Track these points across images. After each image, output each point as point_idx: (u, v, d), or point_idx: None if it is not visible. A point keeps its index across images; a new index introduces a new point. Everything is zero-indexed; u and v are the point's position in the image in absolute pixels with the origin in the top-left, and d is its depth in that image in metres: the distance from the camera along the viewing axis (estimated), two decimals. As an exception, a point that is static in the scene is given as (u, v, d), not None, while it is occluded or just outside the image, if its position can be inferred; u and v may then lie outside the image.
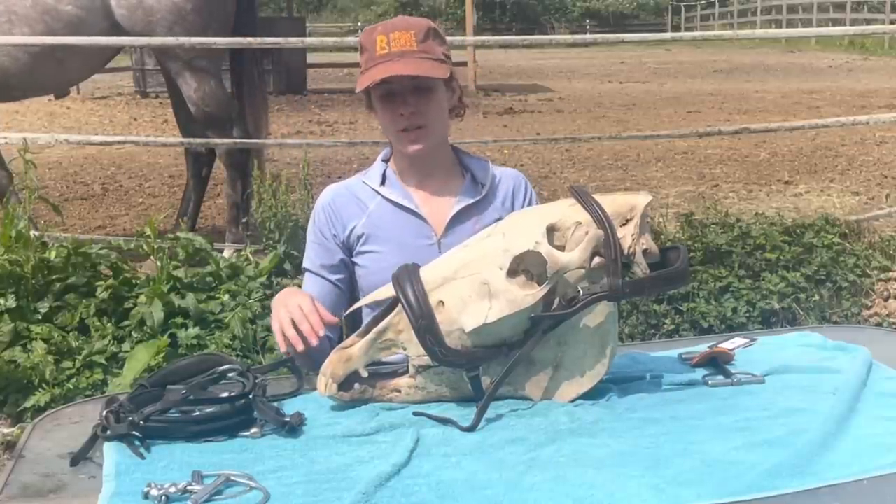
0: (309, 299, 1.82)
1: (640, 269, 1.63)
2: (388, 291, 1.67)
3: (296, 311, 1.77)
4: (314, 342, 1.76)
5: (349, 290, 2.12)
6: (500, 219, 2.01)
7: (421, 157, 2.04)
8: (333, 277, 2.08)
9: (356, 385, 1.66)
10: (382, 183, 2.07)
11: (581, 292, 1.60)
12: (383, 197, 2.06)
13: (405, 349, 1.64)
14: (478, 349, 1.61)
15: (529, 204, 2.14)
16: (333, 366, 1.64)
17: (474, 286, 1.60)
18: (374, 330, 1.64)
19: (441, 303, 1.60)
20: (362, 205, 2.07)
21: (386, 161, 2.11)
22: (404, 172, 2.08)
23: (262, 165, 5.44)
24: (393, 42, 1.93)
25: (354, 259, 2.08)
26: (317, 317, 1.77)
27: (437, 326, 1.59)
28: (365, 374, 1.65)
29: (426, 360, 1.62)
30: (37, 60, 5.04)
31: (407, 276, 1.62)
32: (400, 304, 1.61)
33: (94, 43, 5.04)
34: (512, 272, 1.59)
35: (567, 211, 1.64)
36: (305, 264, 2.13)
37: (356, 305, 1.84)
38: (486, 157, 2.25)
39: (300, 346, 1.76)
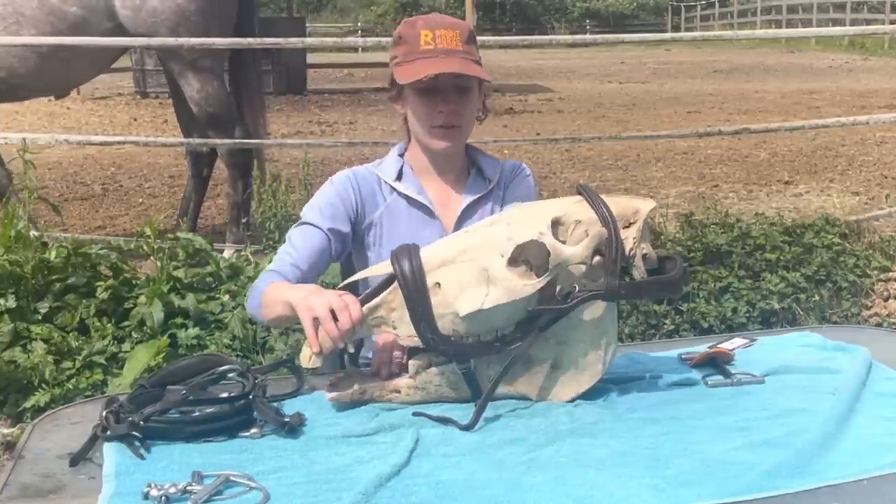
0: (344, 294, 1.65)
1: (639, 272, 1.64)
2: (385, 267, 1.66)
3: (335, 299, 1.60)
4: (348, 328, 1.59)
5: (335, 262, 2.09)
6: (501, 207, 2.03)
7: (444, 156, 2.04)
8: (335, 244, 1.99)
9: (356, 385, 1.66)
10: (398, 178, 2.06)
11: (577, 288, 1.60)
12: (398, 193, 2.05)
13: (395, 328, 1.62)
14: (468, 339, 1.60)
15: (526, 190, 2.13)
16: (320, 339, 1.62)
17: (474, 271, 1.59)
18: (367, 306, 1.62)
19: (438, 284, 1.58)
20: (381, 196, 2.06)
21: (401, 156, 2.10)
22: (422, 169, 2.07)
23: (262, 166, 5.45)
24: (439, 39, 1.92)
25: (366, 251, 2.06)
26: (357, 307, 1.60)
27: (430, 307, 1.58)
28: (352, 349, 1.64)
29: (416, 340, 1.61)
30: (44, 61, 5.07)
31: (406, 253, 1.61)
32: (396, 282, 1.60)
33: (98, 43, 5.05)
34: (513, 261, 1.59)
35: (572, 207, 1.64)
36: (310, 218, 2.00)
37: (352, 279, 1.80)
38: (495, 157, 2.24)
39: (340, 342, 1.59)
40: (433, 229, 2.03)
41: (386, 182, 2.06)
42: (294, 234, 1.99)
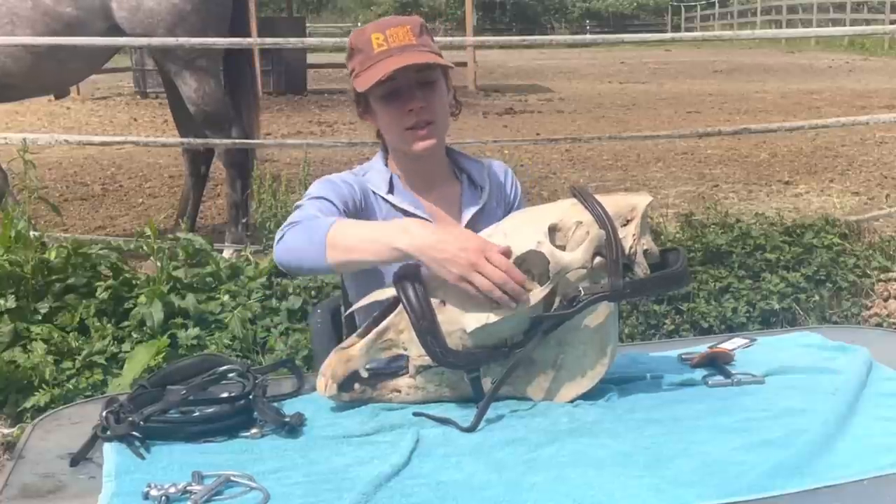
0: (494, 247, 1.54)
1: (641, 269, 1.63)
2: (388, 291, 1.67)
3: (494, 272, 1.52)
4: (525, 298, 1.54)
5: None
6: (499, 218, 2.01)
7: (426, 158, 1.95)
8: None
9: (356, 385, 1.66)
10: (390, 191, 1.95)
11: (582, 292, 1.60)
12: (392, 205, 1.95)
13: (406, 349, 1.63)
14: (478, 349, 1.61)
15: (516, 195, 2.09)
16: (333, 366, 1.64)
17: None
18: (375, 330, 1.63)
19: (443, 303, 1.60)
20: (376, 205, 1.95)
21: (386, 166, 2.00)
22: (409, 178, 1.98)
23: (256, 165, 5.47)
24: (391, 38, 1.84)
25: None
26: (517, 271, 1.54)
27: (438, 327, 1.59)
28: (365, 374, 1.65)
29: (427, 360, 1.62)
30: (38, 61, 5.09)
31: (409, 275, 1.62)
32: (401, 304, 1.61)
33: (94, 44, 5.07)
34: (514, 271, 1.59)
35: (568, 211, 1.64)
36: (322, 193, 1.84)
37: (357, 305, 1.81)
38: (475, 155, 2.18)
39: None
40: None
41: (377, 194, 1.96)
42: (309, 205, 1.82)
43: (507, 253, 1.55)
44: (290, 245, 1.71)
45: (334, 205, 1.82)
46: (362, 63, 1.86)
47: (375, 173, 1.99)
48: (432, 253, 1.55)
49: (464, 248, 1.53)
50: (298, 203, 1.85)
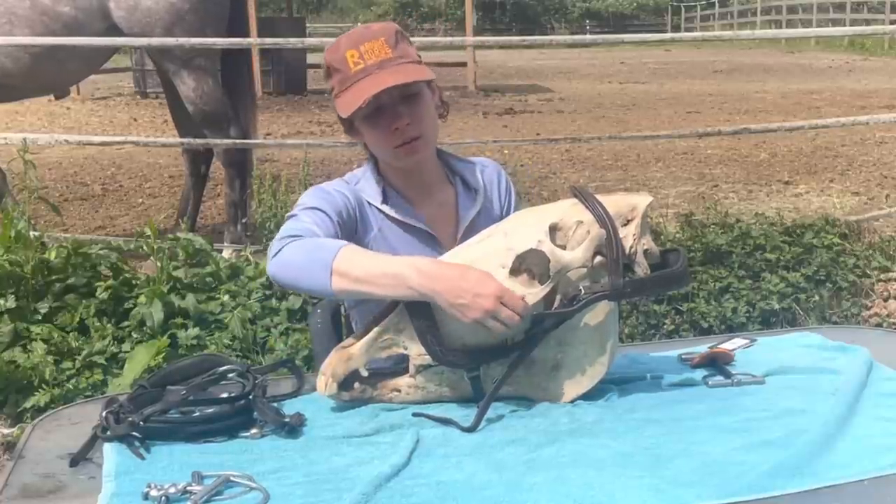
0: (510, 292, 1.56)
1: (641, 269, 1.64)
2: None
3: (510, 318, 1.55)
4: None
5: None
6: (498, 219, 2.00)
7: (419, 169, 1.91)
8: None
9: (356, 384, 1.66)
10: (385, 201, 1.90)
11: (582, 291, 1.60)
12: (387, 216, 1.89)
13: (406, 348, 1.64)
14: (478, 349, 1.61)
15: (508, 196, 2.05)
16: (333, 365, 1.64)
17: None
18: (375, 329, 1.64)
19: None
20: (371, 216, 1.90)
21: (379, 175, 1.93)
22: (402, 187, 1.92)
23: (256, 165, 5.47)
24: (366, 54, 1.76)
25: None
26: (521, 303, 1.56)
27: (437, 325, 1.59)
28: (365, 373, 1.65)
29: (427, 359, 1.62)
30: (37, 61, 5.09)
31: None
32: (401, 303, 1.61)
33: (92, 44, 5.07)
34: (514, 271, 1.59)
35: (569, 210, 1.64)
36: (316, 204, 1.79)
37: (356, 305, 1.82)
38: (469, 155, 2.12)
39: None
40: (438, 253, 1.85)
41: (371, 204, 1.89)
42: (303, 216, 1.76)
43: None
44: (288, 263, 1.65)
45: (328, 216, 1.77)
46: (341, 83, 1.80)
47: (367, 183, 1.93)
48: (448, 298, 1.55)
49: (479, 295, 1.54)
50: (291, 213, 1.81)
